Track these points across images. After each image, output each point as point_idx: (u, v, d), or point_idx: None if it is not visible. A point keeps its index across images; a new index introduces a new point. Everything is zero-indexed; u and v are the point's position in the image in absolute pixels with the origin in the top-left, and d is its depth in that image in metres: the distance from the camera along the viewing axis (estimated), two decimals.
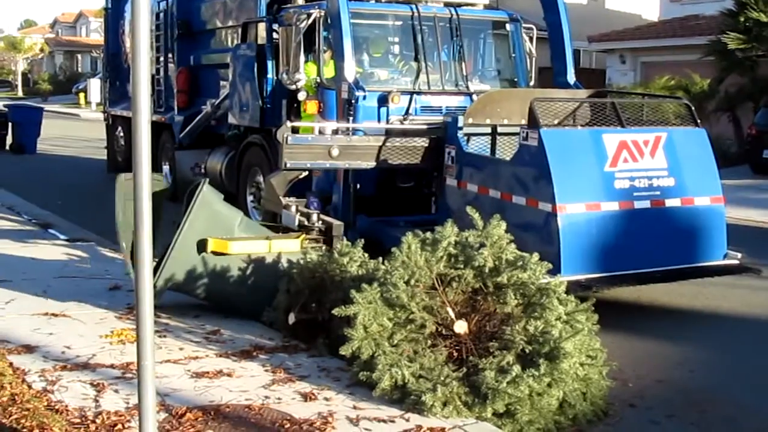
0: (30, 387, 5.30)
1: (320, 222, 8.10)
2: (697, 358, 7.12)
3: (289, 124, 9.06)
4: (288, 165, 8.90)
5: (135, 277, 4.09)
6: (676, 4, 28.07)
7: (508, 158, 8.59)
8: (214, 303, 7.30)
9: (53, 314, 7.02)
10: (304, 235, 7.71)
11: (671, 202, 8.12)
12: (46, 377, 5.49)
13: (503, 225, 5.76)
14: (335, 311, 5.56)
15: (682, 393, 6.22)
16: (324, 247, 7.96)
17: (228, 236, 6.98)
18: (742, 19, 20.70)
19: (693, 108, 8.85)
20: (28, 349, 6.08)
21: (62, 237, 10.98)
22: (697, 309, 8.51)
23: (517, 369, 5.06)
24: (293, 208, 8.35)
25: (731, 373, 6.75)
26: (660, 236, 8.08)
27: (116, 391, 5.29)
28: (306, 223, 8.08)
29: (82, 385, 5.36)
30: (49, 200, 14.32)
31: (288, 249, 7.11)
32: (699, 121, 8.73)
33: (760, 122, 20.10)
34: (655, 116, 9.00)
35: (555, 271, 5.82)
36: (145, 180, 3.98)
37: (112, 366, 5.75)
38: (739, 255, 8.39)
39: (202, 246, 6.87)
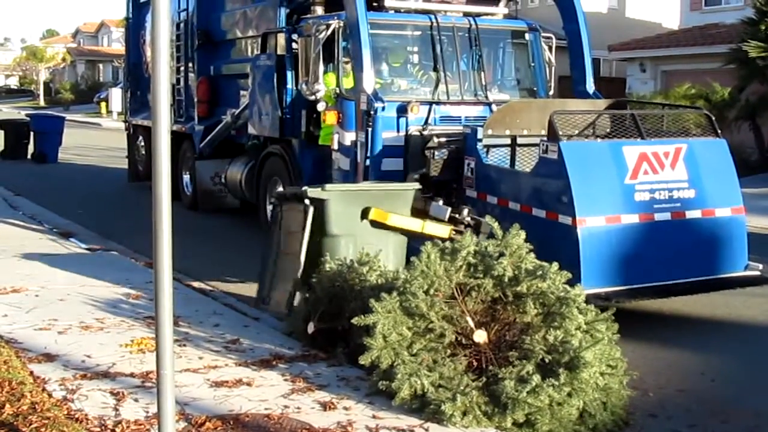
0: (50, 396, 5.33)
1: (470, 217, 8.20)
2: (719, 367, 7.08)
3: (436, 140, 9.30)
4: (432, 179, 9.20)
5: (155, 287, 4.11)
6: (696, 13, 27.98)
7: (528, 169, 8.57)
8: None
9: (74, 323, 7.05)
10: (452, 226, 7.91)
11: (692, 214, 8.07)
12: (67, 386, 5.52)
13: (522, 234, 5.76)
14: (354, 320, 5.57)
15: (704, 403, 6.18)
16: None
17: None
18: (762, 28, 20.59)
19: (713, 118, 8.80)
20: (49, 357, 6.12)
21: (83, 246, 11.06)
22: (718, 318, 8.46)
23: (537, 378, 5.05)
24: (441, 201, 8.46)
25: (753, 383, 6.70)
26: (681, 248, 8.03)
27: (136, 400, 5.31)
28: (457, 216, 8.18)
29: (102, 394, 5.39)
30: (71, 209, 14.43)
31: (438, 234, 7.54)
32: (719, 131, 8.68)
33: None
34: (676, 126, 8.96)
35: (574, 283, 5.79)
36: (165, 189, 4.01)
37: (132, 375, 5.78)
38: (760, 266, 8.34)
39: (365, 213, 7.31)
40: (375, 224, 7.43)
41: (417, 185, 8.06)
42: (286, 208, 7.55)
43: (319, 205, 7.22)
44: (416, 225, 7.52)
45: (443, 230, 7.77)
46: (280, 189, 7.97)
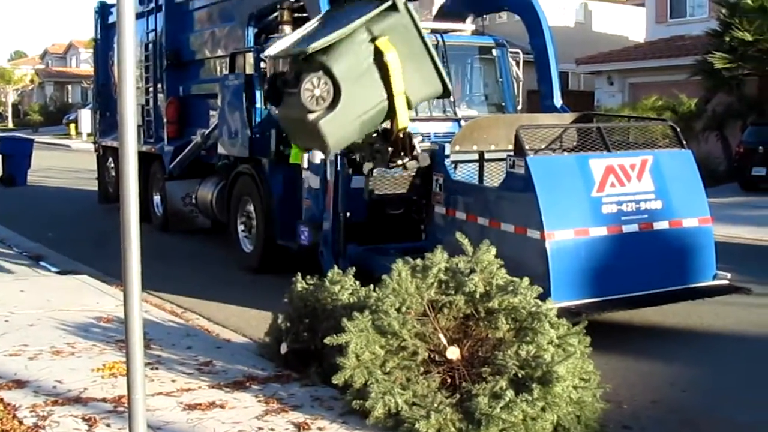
0: (21, 423, 5.28)
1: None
2: (691, 377, 7.13)
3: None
4: (374, 195, 9.17)
5: (124, 310, 4.09)
6: (661, 25, 28.32)
7: (496, 185, 8.62)
8: None
9: (44, 348, 6.99)
10: None
11: (659, 225, 8.13)
12: (38, 412, 5.46)
13: (493, 250, 5.79)
14: (327, 340, 5.56)
15: (677, 413, 6.21)
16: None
17: None
18: (727, 39, 20.91)
19: (678, 130, 8.89)
20: (19, 384, 6.06)
21: (53, 269, 10.98)
22: (690, 328, 8.52)
23: (510, 394, 5.07)
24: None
25: (725, 392, 6.75)
26: (649, 259, 8.09)
27: (108, 425, 5.26)
28: None
29: (74, 420, 5.34)
30: (41, 232, 14.32)
31: None
32: (685, 142, 8.78)
33: (747, 140, 20.27)
34: (642, 138, 9.04)
35: (544, 298, 5.83)
36: (133, 211, 4.01)
37: (103, 400, 5.73)
38: (729, 275, 8.41)
39: None
40: None
41: None
42: None
43: None
44: None
45: None
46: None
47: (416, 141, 7.86)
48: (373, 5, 6.76)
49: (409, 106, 7.50)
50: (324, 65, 6.63)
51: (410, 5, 7.08)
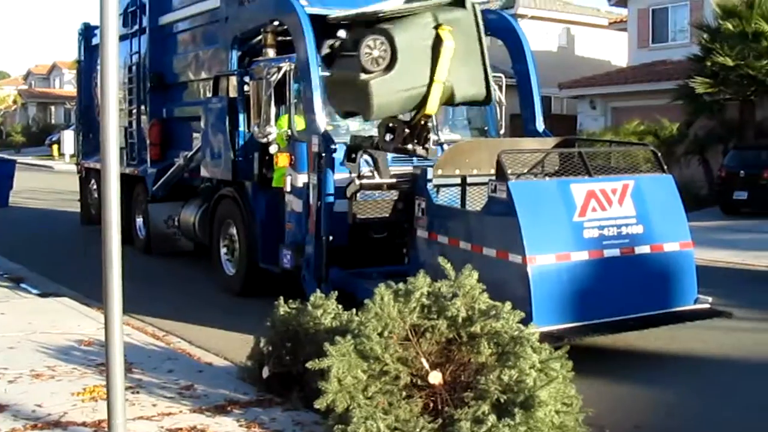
0: None
1: None
2: (674, 401, 7.14)
3: (357, 182, 9.15)
4: (357, 219, 9.09)
5: (105, 335, 4.08)
6: (643, 50, 28.54)
7: (478, 209, 8.64)
8: None
9: (24, 372, 6.94)
10: None
11: (641, 250, 8.17)
12: None
13: (475, 275, 5.80)
14: (309, 364, 5.54)
15: None
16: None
17: None
18: (708, 64, 21.07)
19: (659, 154, 8.95)
20: None
21: (34, 291, 10.92)
22: (672, 352, 8.54)
23: (492, 419, 5.06)
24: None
25: (707, 415, 6.77)
26: (631, 284, 8.11)
27: None
28: None
29: None
30: (22, 254, 14.24)
31: None
32: (666, 167, 8.83)
33: (729, 164, 20.44)
34: (624, 163, 9.09)
35: (527, 322, 5.84)
36: (115, 233, 4.00)
37: (84, 424, 5.69)
38: (710, 299, 8.44)
39: None
40: None
41: None
42: None
43: None
44: None
45: None
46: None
47: (432, 136, 7.99)
48: None
49: (452, 102, 7.73)
50: (387, 32, 6.94)
51: (477, 7, 7.29)
